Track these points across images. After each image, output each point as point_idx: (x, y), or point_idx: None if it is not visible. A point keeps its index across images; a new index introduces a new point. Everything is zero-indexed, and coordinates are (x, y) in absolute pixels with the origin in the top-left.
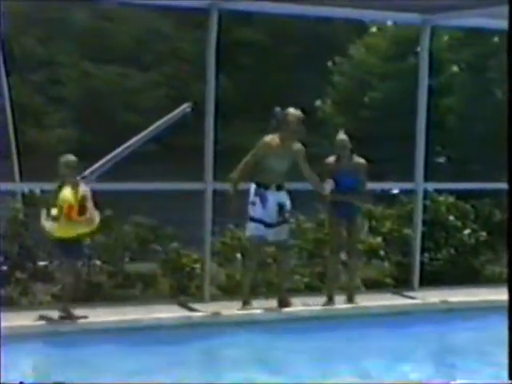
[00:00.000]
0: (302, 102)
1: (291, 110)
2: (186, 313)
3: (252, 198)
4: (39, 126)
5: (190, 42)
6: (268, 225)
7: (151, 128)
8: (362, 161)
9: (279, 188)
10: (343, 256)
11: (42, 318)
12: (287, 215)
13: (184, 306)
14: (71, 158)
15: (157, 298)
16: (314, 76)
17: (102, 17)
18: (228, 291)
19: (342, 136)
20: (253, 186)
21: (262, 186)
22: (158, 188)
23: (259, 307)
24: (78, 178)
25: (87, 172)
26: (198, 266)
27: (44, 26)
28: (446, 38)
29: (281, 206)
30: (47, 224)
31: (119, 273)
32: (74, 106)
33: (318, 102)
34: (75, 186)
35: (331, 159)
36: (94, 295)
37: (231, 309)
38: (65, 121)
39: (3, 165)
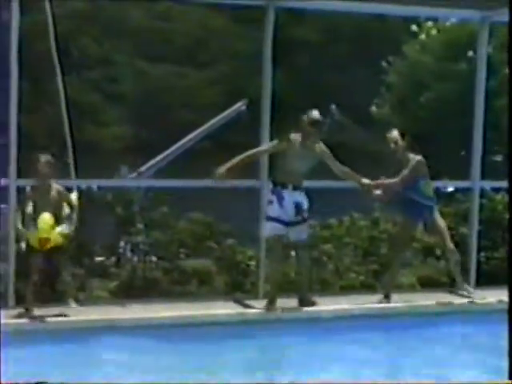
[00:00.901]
0: (356, 100)
1: (310, 113)
2: (241, 309)
3: (269, 196)
4: (96, 123)
5: (246, 40)
6: (286, 223)
7: (207, 125)
8: (417, 158)
9: (296, 188)
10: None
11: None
12: (305, 214)
13: (239, 302)
14: (49, 157)
15: (212, 295)
16: (369, 74)
17: (156, 15)
18: (282, 288)
19: (393, 133)
20: (270, 185)
21: (279, 185)
22: (213, 185)
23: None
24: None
25: (143, 168)
26: (253, 263)
27: (99, 25)
28: (495, 40)
29: (298, 206)
30: (23, 229)
31: (175, 269)
32: (130, 104)
33: (373, 102)
34: (56, 194)
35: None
36: (150, 291)
37: (286, 306)
38: (121, 118)
39: (60, 162)
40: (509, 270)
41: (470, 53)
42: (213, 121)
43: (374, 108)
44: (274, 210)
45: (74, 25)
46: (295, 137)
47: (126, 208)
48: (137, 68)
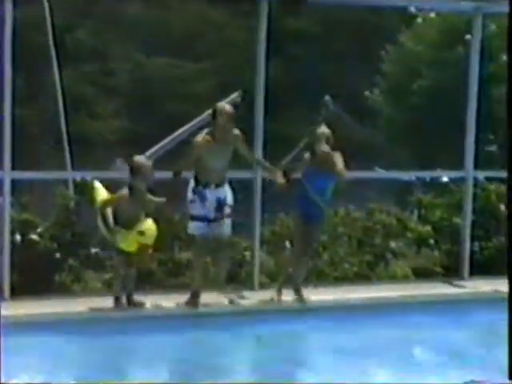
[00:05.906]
0: (352, 91)
1: (221, 105)
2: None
3: (190, 196)
4: (91, 115)
5: (242, 31)
6: (210, 220)
7: (200, 117)
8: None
9: (218, 185)
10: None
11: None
12: (227, 211)
13: (234, 293)
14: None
15: (207, 286)
16: (365, 65)
17: (153, 7)
18: (277, 279)
19: (323, 129)
20: (191, 184)
21: (201, 184)
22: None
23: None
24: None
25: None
26: (247, 253)
27: (95, 18)
28: (494, 26)
29: (219, 201)
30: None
31: (169, 261)
32: (126, 97)
33: (367, 92)
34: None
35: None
36: (145, 283)
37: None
38: (116, 111)
39: (56, 154)
40: (508, 268)
41: (468, 36)
42: (207, 112)
43: (367, 93)
44: (196, 208)
45: (70, 17)
46: (204, 137)
47: None
48: (133, 60)
